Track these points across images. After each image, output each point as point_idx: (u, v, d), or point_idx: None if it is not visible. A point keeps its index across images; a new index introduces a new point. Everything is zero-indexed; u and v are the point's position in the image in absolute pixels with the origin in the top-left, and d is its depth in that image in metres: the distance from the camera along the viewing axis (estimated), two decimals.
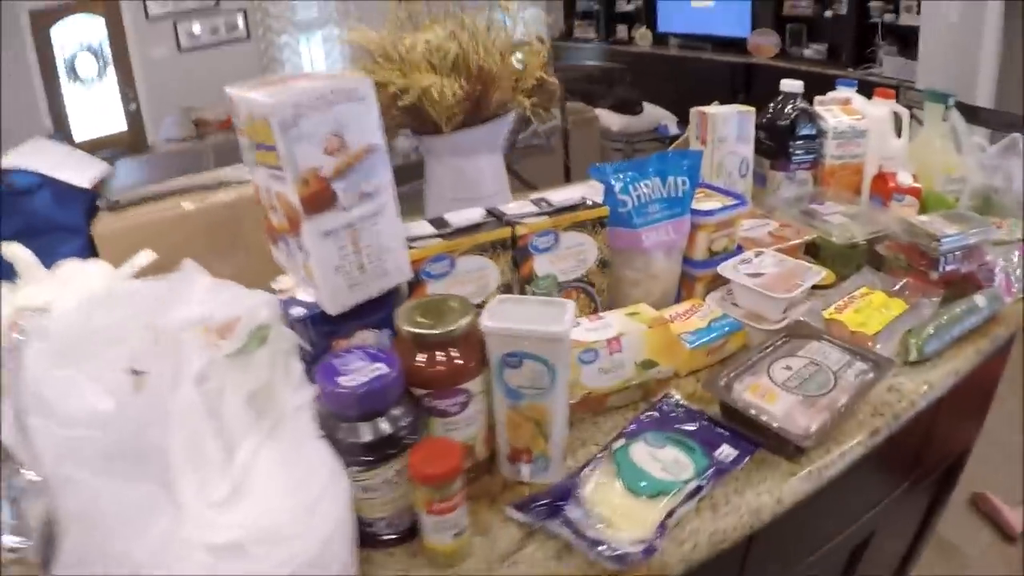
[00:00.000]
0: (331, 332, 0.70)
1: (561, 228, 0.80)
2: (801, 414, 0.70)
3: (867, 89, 1.26)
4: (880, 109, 1.18)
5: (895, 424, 0.77)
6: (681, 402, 0.76)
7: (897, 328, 0.84)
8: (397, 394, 0.60)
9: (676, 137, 1.31)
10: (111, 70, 3.80)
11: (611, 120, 3.47)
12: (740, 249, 0.96)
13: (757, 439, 0.71)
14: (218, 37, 4.39)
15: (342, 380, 0.59)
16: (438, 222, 0.79)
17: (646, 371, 0.77)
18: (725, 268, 0.89)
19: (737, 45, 4.50)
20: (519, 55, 0.84)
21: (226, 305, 0.65)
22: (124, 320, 0.60)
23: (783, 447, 0.70)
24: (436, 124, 0.81)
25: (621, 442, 0.70)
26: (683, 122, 3.07)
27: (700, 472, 0.65)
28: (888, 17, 3.91)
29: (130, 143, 3.80)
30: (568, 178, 2.53)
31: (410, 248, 0.73)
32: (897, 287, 0.90)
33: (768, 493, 0.68)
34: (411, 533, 0.63)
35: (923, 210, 1.09)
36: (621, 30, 5.61)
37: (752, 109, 1.06)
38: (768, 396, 0.73)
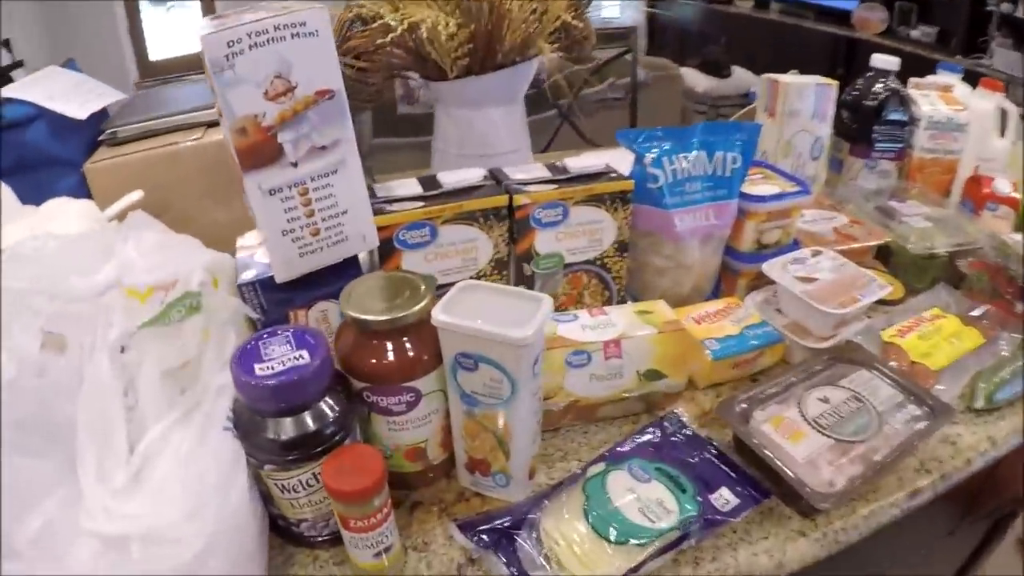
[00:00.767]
0: (286, 301, 0.59)
1: (572, 201, 0.66)
2: (828, 464, 0.54)
3: (973, 80, 1.01)
4: (985, 102, 0.95)
5: (942, 485, 0.59)
6: (687, 424, 0.62)
7: (967, 366, 0.65)
8: (320, 388, 0.49)
9: None
10: None
11: (696, 80, 3.15)
12: (796, 244, 0.78)
13: (767, 487, 0.56)
14: None
15: (258, 368, 0.47)
16: (429, 182, 0.66)
17: (649, 383, 0.62)
18: (772, 267, 0.72)
19: (842, 17, 4.02)
20: None
21: (163, 266, 0.55)
22: (48, 277, 0.51)
23: (797, 499, 0.55)
24: (440, 68, 0.67)
25: (599, 467, 0.56)
26: None
27: (685, 522, 0.51)
28: (1006, 7, 3.36)
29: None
30: None
31: (386, 211, 0.61)
32: (975, 314, 0.71)
33: (767, 554, 0.53)
34: (340, 537, 0.53)
35: (1020, 227, 0.87)
36: None
37: (834, 82, 0.86)
38: (793, 434, 0.57)
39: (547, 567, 0.49)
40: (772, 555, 0.53)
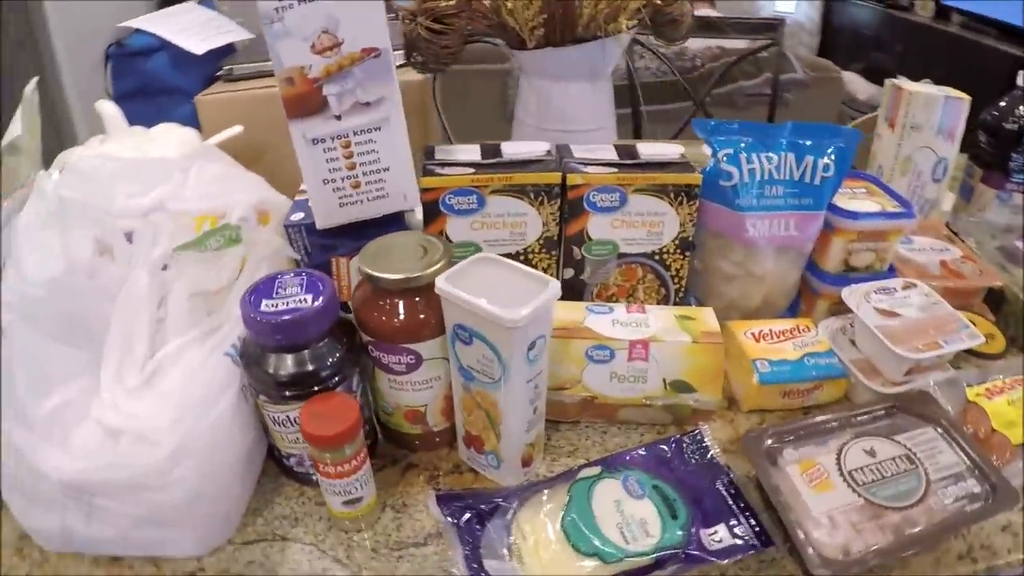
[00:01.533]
0: (329, 247, 0.59)
1: (631, 188, 0.59)
2: (850, 525, 0.45)
3: None
4: None
5: None
6: (709, 446, 0.54)
7: None
8: (319, 331, 0.47)
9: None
10: None
11: (859, 86, 2.79)
12: (892, 272, 0.65)
13: (771, 536, 0.47)
14: None
15: (265, 304, 0.47)
16: (491, 150, 0.61)
17: (676, 394, 0.55)
18: (852, 293, 0.61)
19: None
20: None
21: (213, 197, 0.56)
22: (101, 194, 0.53)
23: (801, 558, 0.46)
24: (520, 36, 0.62)
25: (594, 471, 0.50)
26: None
27: (661, 550, 0.44)
28: None
29: None
30: None
31: (435, 174, 0.58)
32: None
33: None
34: None
35: None
36: None
37: (966, 97, 0.70)
38: (820, 483, 0.48)
39: (507, 559, 0.45)
40: None
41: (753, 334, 0.62)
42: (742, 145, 0.60)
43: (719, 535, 0.46)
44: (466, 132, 0.97)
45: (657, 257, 0.63)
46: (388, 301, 0.49)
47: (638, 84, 1.42)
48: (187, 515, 0.45)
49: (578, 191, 0.59)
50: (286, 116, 0.51)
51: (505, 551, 0.46)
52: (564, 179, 0.58)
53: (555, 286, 0.45)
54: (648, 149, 0.63)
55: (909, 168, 0.72)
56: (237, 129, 0.74)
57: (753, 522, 0.48)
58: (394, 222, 0.58)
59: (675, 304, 0.65)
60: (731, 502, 0.49)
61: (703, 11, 2.32)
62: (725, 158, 0.59)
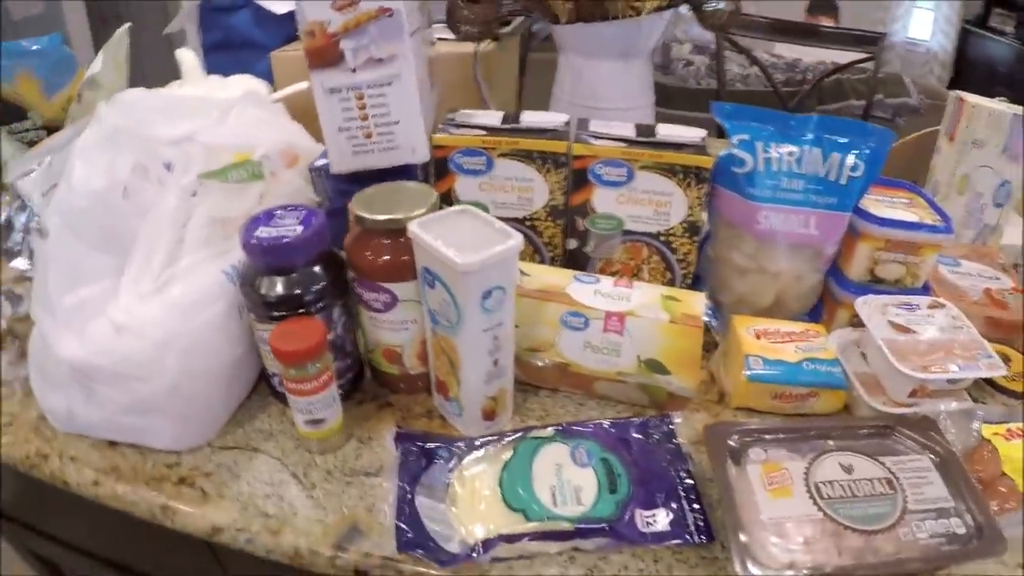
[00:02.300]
0: (346, 192, 0.58)
1: (638, 164, 0.55)
2: (801, 539, 0.39)
3: None
4: None
5: None
6: (674, 432, 0.49)
7: None
8: (305, 258, 0.48)
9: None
10: None
11: None
12: (926, 291, 0.57)
13: (713, 532, 0.42)
14: None
15: (260, 230, 0.48)
16: (510, 117, 0.60)
17: (651, 373, 0.51)
18: (867, 302, 0.54)
19: None
20: None
21: (243, 135, 0.58)
22: (142, 122, 0.56)
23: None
24: (553, 10, 0.59)
25: (547, 432, 0.48)
26: None
27: (586, 520, 0.41)
28: None
29: None
30: None
31: (447, 133, 0.57)
32: None
33: None
34: None
35: None
36: None
37: None
38: (779, 489, 0.43)
39: (442, 499, 0.44)
40: None
41: (756, 331, 0.56)
42: (762, 132, 0.54)
43: (656, 519, 0.42)
44: None
45: (663, 238, 0.58)
46: (371, 240, 0.49)
47: (724, 91, 1.34)
48: (166, 406, 0.47)
49: (583, 162, 0.56)
50: (308, 66, 0.52)
51: (442, 492, 0.44)
52: (569, 148, 0.55)
53: (515, 240, 0.43)
54: (668, 130, 0.58)
55: (967, 188, 0.62)
56: (303, 85, 0.77)
57: (699, 515, 0.43)
58: (405, 174, 0.58)
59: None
60: (681, 491, 0.45)
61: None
62: (739, 143, 0.54)
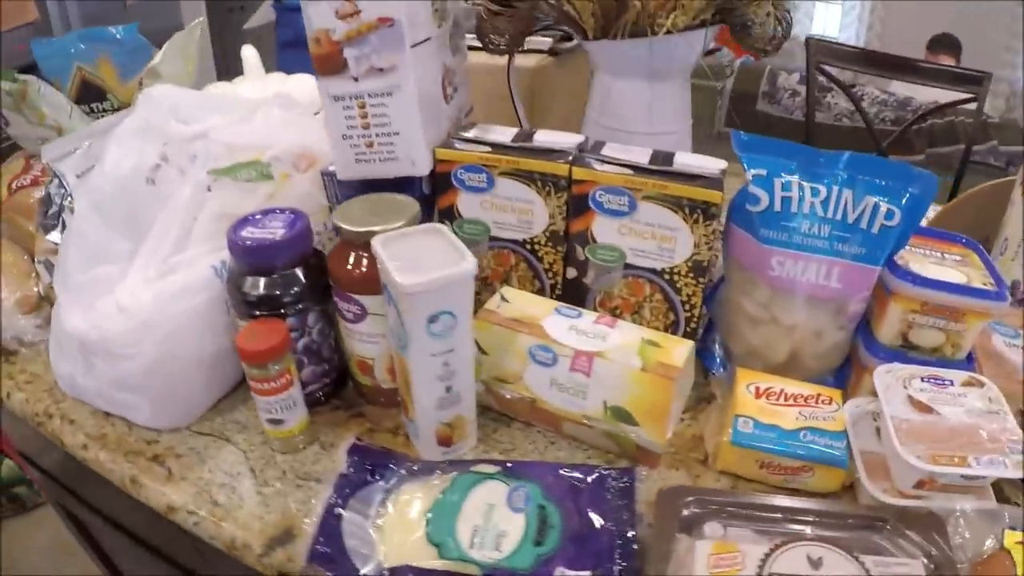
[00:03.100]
0: (352, 198, 0.60)
1: (640, 194, 0.51)
2: None
3: None
4: None
5: None
6: (632, 489, 0.45)
7: None
8: (285, 260, 0.49)
9: None
10: None
11: None
12: (970, 364, 0.48)
13: None
14: None
15: (245, 231, 0.50)
16: (523, 135, 0.58)
17: (616, 422, 0.47)
18: (887, 372, 0.46)
19: None
20: None
21: (256, 136, 0.60)
22: (162, 117, 0.60)
23: None
24: (582, 26, 0.56)
25: (492, 469, 0.45)
26: None
27: (498, 569, 0.38)
28: None
29: None
30: None
31: (452, 147, 0.56)
32: None
33: None
34: None
35: None
36: None
37: None
38: (723, 573, 0.38)
39: (369, 518, 0.43)
40: None
41: (757, 387, 0.50)
42: (783, 167, 0.48)
43: None
44: None
45: (667, 276, 0.54)
46: (346, 251, 0.49)
47: (812, 123, 1.23)
48: (143, 385, 0.50)
49: (584, 187, 0.53)
50: (316, 72, 0.53)
51: (373, 511, 0.43)
52: (570, 172, 0.53)
53: (467, 265, 0.41)
54: (689, 160, 0.54)
55: None
56: None
57: None
58: (408, 185, 0.58)
59: (685, 335, 0.56)
60: (617, 556, 0.41)
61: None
62: (754, 179, 0.48)
